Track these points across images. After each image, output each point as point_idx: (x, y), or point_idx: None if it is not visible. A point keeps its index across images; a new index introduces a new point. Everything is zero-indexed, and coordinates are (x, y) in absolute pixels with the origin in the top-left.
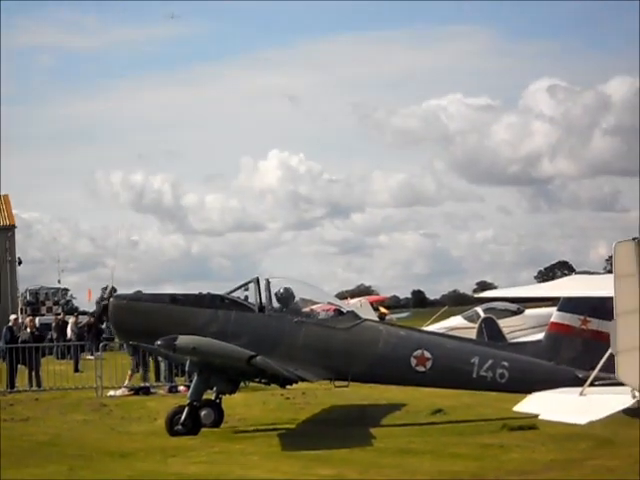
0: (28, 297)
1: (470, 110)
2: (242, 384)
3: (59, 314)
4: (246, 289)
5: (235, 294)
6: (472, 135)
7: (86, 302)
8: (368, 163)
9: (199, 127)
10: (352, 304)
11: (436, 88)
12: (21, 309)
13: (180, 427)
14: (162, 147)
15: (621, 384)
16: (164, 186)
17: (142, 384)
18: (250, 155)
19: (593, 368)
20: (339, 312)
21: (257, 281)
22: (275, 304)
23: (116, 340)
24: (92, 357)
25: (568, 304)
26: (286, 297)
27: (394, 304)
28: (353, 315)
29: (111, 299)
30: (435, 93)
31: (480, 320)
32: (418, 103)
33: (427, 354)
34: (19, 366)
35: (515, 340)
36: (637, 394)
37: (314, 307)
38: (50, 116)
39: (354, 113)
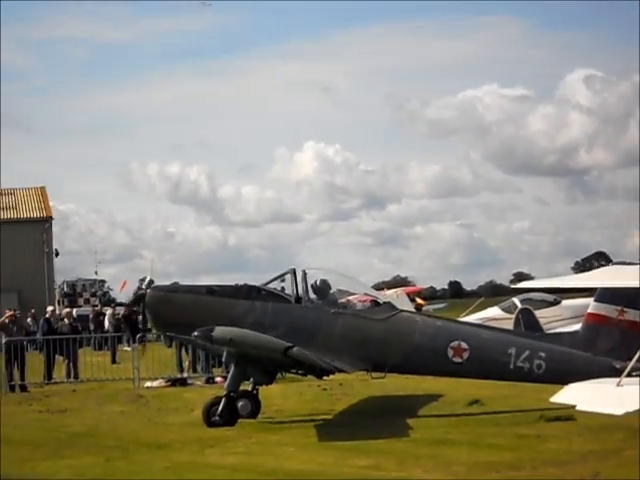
0: (65, 289)
1: (506, 100)
2: (279, 375)
3: (96, 306)
4: (283, 280)
5: (272, 285)
6: (508, 126)
7: (118, 293)
8: (404, 154)
9: (233, 118)
10: (388, 295)
11: (471, 79)
12: (58, 301)
13: (217, 418)
14: (197, 138)
15: None
16: (200, 177)
17: (179, 375)
18: (285, 146)
19: (630, 359)
20: (376, 303)
21: (294, 272)
22: (312, 295)
23: (153, 332)
24: (129, 348)
25: (605, 295)
26: (323, 288)
27: (431, 295)
28: (390, 306)
29: (148, 291)
30: (470, 84)
31: (517, 311)
32: (453, 94)
33: (464, 345)
34: (56, 357)
35: (552, 331)
36: None
37: (351, 298)
38: (85, 108)
39: (388, 104)
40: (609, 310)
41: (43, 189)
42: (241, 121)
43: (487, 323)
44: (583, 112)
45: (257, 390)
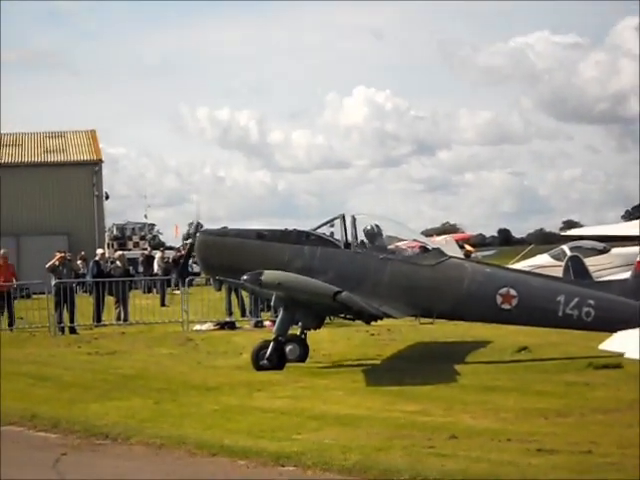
0: (115, 232)
1: (557, 48)
2: (327, 320)
3: (145, 249)
4: (332, 225)
5: (321, 230)
6: (559, 73)
7: (173, 237)
8: (454, 100)
9: (283, 63)
10: (437, 242)
11: (522, 25)
12: (108, 244)
13: (265, 362)
14: (247, 83)
15: None
16: (250, 122)
17: (228, 319)
18: (336, 91)
19: None
20: (424, 249)
21: (343, 218)
22: (361, 241)
23: (202, 275)
24: (178, 292)
25: None
26: (372, 234)
27: (480, 242)
28: (438, 252)
29: (198, 234)
30: (521, 30)
31: (566, 258)
32: (504, 40)
33: (513, 292)
34: (106, 300)
35: (601, 279)
36: None
37: (400, 244)
38: (135, 52)
39: (439, 50)
40: None
41: (93, 132)
42: (292, 66)
43: (536, 270)
44: (634, 59)
45: (305, 334)
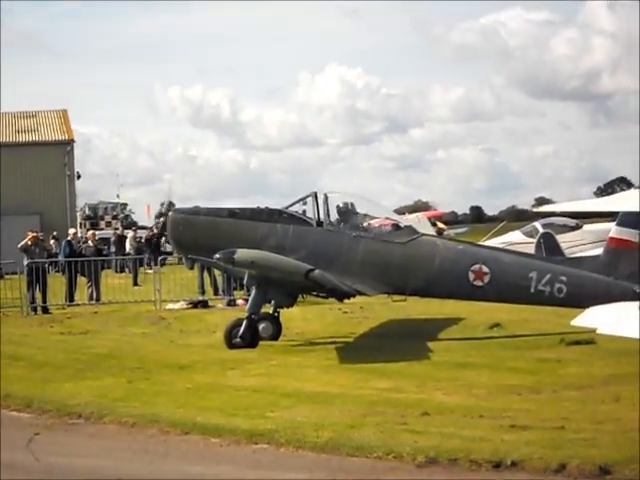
0: (87, 211)
1: (529, 25)
2: (300, 298)
3: (117, 228)
4: (304, 204)
5: (293, 209)
6: (532, 50)
7: (145, 217)
8: (426, 77)
9: (256, 42)
10: (410, 219)
11: (494, 3)
12: (80, 224)
13: (238, 340)
14: (220, 62)
15: None
16: (222, 101)
17: (201, 298)
18: (308, 70)
19: None
20: (396, 227)
21: (315, 195)
22: (333, 219)
23: (175, 254)
24: (151, 271)
25: (627, 219)
26: (344, 212)
27: (452, 220)
28: (410, 230)
29: (169, 213)
30: (493, 8)
31: (539, 235)
32: (476, 18)
33: (485, 268)
34: (78, 279)
35: (574, 255)
36: None
37: (372, 222)
38: (108, 31)
39: (412, 27)
40: (631, 234)
41: (65, 112)
42: (264, 45)
43: (509, 247)
44: (607, 37)
45: (278, 312)
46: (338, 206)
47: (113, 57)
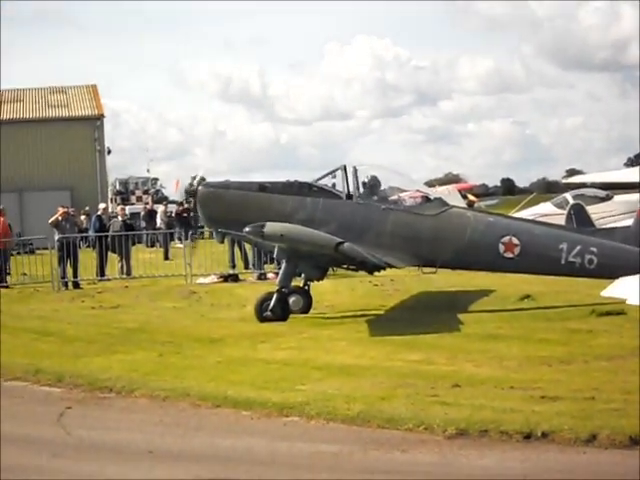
0: (118, 186)
1: None
2: (330, 271)
3: (148, 203)
4: (334, 177)
5: (323, 182)
6: (560, 20)
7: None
8: (455, 49)
9: (284, 14)
10: (440, 192)
11: None
12: (111, 199)
13: (269, 313)
14: (248, 35)
15: None
16: (251, 75)
17: (231, 271)
18: (336, 42)
19: None
20: (426, 199)
21: (344, 168)
22: (363, 191)
23: (205, 228)
24: (181, 245)
25: None
26: (374, 184)
27: (483, 192)
28: (440, 202)
29: (199, 187)
30: None
31: (569, 206)
32: None
33: (515, 240)
34: (109, 254)
35: (604, 226)
36: None
37: (402, 195)
38: (136, 6)
39: None
40: None
41: (95, 87)
42: (292, 17)
43: (539, 219)
44: (634, 6)
45: (309, 286)
46: (367, 179)
47: (141, 31)
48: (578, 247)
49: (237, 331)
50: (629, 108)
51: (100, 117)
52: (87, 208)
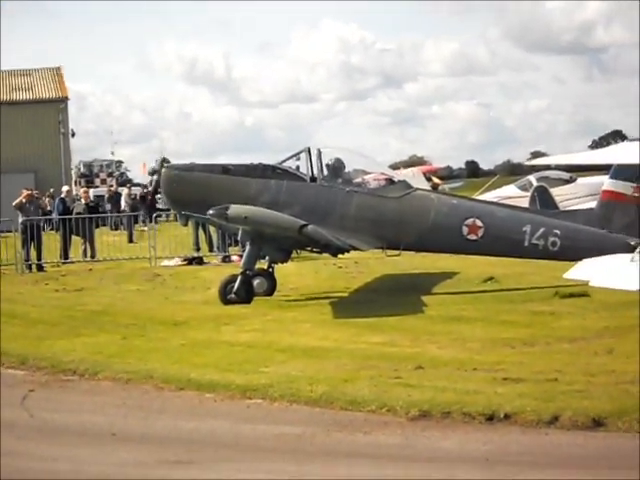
0: (82, 169)
1: None
2: (294, 253)
3: (112, 186)
4: (298, 159)
5: (287, 164)
6: (525, 3)
7: (140, 174)
8: (420, 32)
9: None
10: (404, 174)
11: None
12: (75, 181)
13: (233, 296)
14: (213, 17)
15: None
16: (216, 57)
17: (195, 254)
18: (302, 25)
19: None
20: (390, 181)
21: (309, 151)
22: (327, 174)
23: (170, 211)
24: (146, 228)
25: (620, 171)
26: (338, 167)
27: (447, 174)
28: (405, 184)
29: (163, 169)
30: None
31: (533, 189)
32: None
33: (479, 222)
34: (73, 237)
35: (568, 209)
36: None
37: (366, 177)
38: None
39: None
40: (624, 187)
41: (59, 69)
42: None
43: (503, 201)
44: None
45: (273, 268)
46: (331, 161)
47: (106, 13)
48: (541, 229)
49: (201, 314)
50: (594, 91)
51: (64, 99)
52: (52, 190)
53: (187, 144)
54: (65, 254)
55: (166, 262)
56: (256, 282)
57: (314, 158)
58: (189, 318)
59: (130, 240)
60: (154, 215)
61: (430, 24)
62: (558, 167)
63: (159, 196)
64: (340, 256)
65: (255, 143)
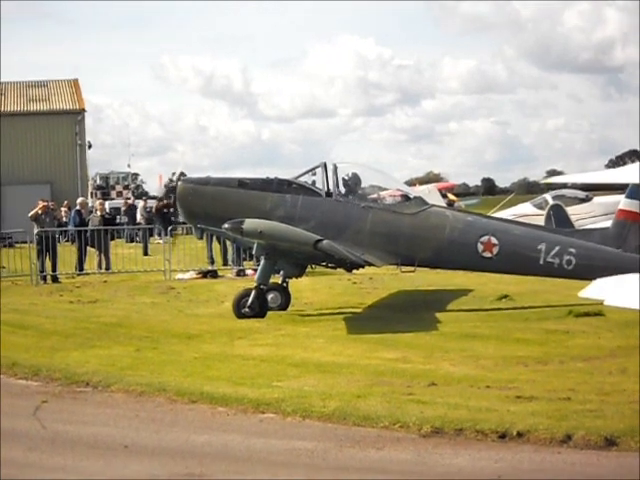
0: (98, 181)
1: None
2: (309, 268)
3: (129, 198)
4: (314, 174)
5: (302, 179)
6: (544, 22)
7: (156, 187)
8: (437, 49)
9: (267, 12)
10: (420, 191)
11: None
12: (91, 193)
13: (247, 310)
14: (230, 31)
15: None
16: (234, 71)
17: (210, 267)
18: (319, 40)
19: None
20: (406, 198)
21: (325, 166)
22: (342, 189)
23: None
24: (161, 241)
25: (636, 191)
26: (354, 182)
27: (463, 192)
28: (420, 200)
29: (179, 182)
30: None
31: (548, 207)
32: None
33: (494, 240)
34: (88, 249)
35: (583, 227)
36: None
37: (382, 193)
38: (119, 1)
39: None
40: None
41: (76, 81)
42: (275, 15)
43: (518, 219)
44: (619, 9)
45: (287, 283)
46: (347, 176)
47: (123, 26)
48: (557, 247)
49: (215, 327)
50: (611, 110)
51: (81, 111)
52: (67, 202)
53: (203, 157)
54: (80, 266)
55: (180, 275)
56: (270, 296)
57: (330, 173)
58: (203, 331)
59: (145, 253)
60: (169, 228)
61: (448, 41)
62: (574, 186)
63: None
64: (355, 272)
65: (271, 157)
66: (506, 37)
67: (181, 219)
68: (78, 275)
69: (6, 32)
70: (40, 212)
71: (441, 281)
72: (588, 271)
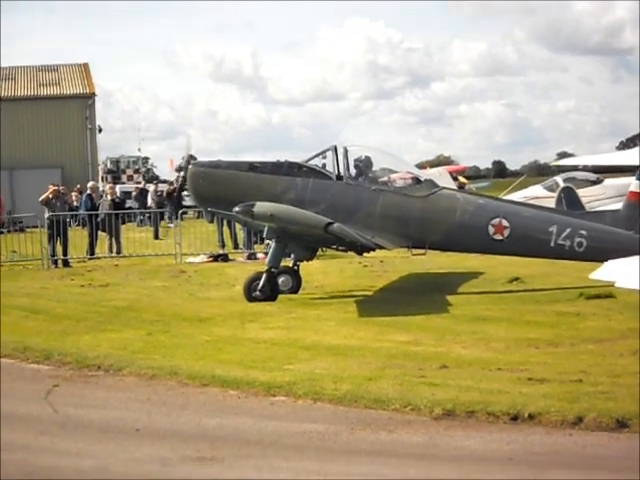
0: (109, 165)
1: None
2: (320, 251)
3: (139, 182)
4: (324, 157)
5: (313, 162)
6: (554, 4)
7: (167, 171)
8: (447, 32)
9: None
10: (430, 173)
11: None
12: (102, 177)
13: (258, 293)
14: (240, 16)
15: None
16: (243, 56)
17: (221, 251)
18: (329, 24)
19: None
20: (417, 180)
21: (335, 149)
22: (353, 172)
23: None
24: (172, 225)
25: None
26: (364, 165)
27: (474, 174)
28: (431, 183)
29: (189, 166)
30: None
31: (559, 189)
32: None
33: (505, 222)
34: (99, 233)
35: (594, 209)
36: None
37: (392, 176)
38: None
39: None
40: None
41: (86, 65)
42: None
43: (529, 201)
44: None
45: (298, 266)
46: (357, 159)
47: (134, 12)
48: (568, 230)
49: (226, 310)
50: (621, 92)
51: (91, 95)
52: (79, 186)
53: (214, 141)
54: (91, 250)
55: (191, 259)
56: (281, 280)
57: (340, 156)
58: (214, 315)
59: (156, 237)
60: (180, 212)
61: (458, 24)
62: (585, 168)
63: (185, 193)
64: (365, 254)
65: (281, 141)
66: (516, 19)
67: (191, 202)
68: (89, 259)
69: (18, 19)
70: (51, 196)
71: (452, 264)
72: (599, 253)
